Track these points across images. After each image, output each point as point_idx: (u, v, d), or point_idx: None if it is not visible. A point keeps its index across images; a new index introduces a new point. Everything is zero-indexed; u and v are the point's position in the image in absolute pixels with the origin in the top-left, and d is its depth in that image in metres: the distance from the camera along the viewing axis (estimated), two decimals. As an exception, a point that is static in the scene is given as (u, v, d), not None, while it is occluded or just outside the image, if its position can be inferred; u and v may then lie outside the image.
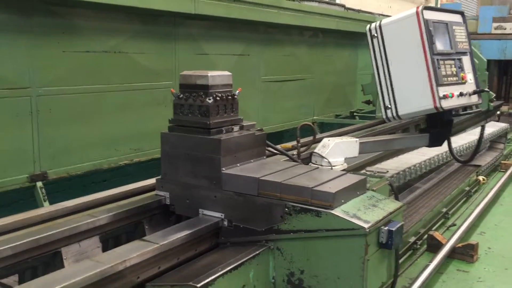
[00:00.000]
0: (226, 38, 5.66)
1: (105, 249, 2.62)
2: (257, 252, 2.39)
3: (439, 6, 16.73)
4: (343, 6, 8.97)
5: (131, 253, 2.23)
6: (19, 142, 3.70)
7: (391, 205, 2.48)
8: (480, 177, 6.10)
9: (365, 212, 2.33)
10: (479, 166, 6.37)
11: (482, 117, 6.45)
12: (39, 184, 3.76)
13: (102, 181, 4.92)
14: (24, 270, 2.38)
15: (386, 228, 2.31)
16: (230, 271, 2.23)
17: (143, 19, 4.59)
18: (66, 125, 4.00)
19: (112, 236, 2.73)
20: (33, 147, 3.77)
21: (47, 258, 2.42)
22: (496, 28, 11.49)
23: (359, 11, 9.46)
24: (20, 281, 2.32)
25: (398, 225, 2.36)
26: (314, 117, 7.54)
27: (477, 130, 6.46)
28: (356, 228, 2.21)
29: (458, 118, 7.25)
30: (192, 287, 2.09)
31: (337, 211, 2.27)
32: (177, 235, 2.43)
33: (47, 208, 2.75)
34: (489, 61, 10.02)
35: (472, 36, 12.11)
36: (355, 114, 8.30)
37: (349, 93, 8.58)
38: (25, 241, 2.29)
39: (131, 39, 4.50)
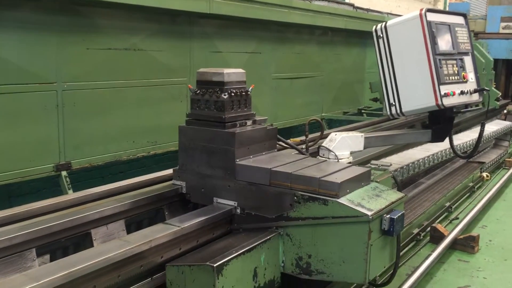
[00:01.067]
0: (238, 36, 5.87)
1: (129, 232, 2.84)
2: (268, 237, 2.54)
3: (447, 5, 16.78)
4: (352, 5, 9.13)
5: (156, 234, 2.45)
6: (45, 134, 3.94)
7: (393, 195, 2.65)
8: (484, 174, 6.26)
9: (368, 201, 2.49)
10: (483, 163, 6.53)
11: (489, 115, 6.60)
12: (64, 173, 4.00)
13: (119, 172, 5.16)
14: (55, 250, 2.60)
15: (388, 216, 2.48)
16: (243, 253, 2.38)
17: (161, 18, 4.81)
18: (88, 118, 4.23)
19: (135, 221, 2.95)
20: (58, 138, 4.01)
21: (78, 239, 2.64)
22: (504, 28, 11.60)
23: (368, 10, 9.61)
24: (52, 261, 2.52)
25: (399, 214, 2.53)
26: (323, 114, 7.73)
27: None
28: (360, 215, 2.37)
29: (464, 116, 7.45)
30: (209, 266, 2.25)
31: (342, 200, 2.43)
32: (194, 220, 2.62)
33: (76, 194, 2.97)
34: (496, 60, 10.16)
35: (480, 35, 12.20)
36: (363, 111, 8.47)
37: (357, 90, 8.75)
38: (60, 222, 2.51)
39: (150, 37, 4.72)
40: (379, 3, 12.55)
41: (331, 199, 2.44)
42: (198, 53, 5.26)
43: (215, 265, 2.24)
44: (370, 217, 2.36)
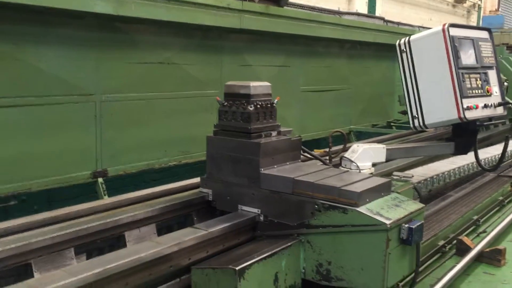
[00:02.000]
0: (268, 50, 6.04)
1: (160, 235, 3.01)
2: (289, 244, 2.63)
3: (481, 18, 16.57)
4: (382, 18, 9.19)
5: (184, 237, 2.61)
6: (84, 143, 4.19)
7: (413, 206, 2.72)
8: (515, 188, 6.15)
9: (387, 210, 2.56)
10: (514, 177, 6.42)
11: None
12: (100, 180, 4.23)
13: (152, 180, 5.36)
14: (92, 250, 2.79)
15: (406, 225, 2.54)
16: (264, 258, 2.49)
17: (193, 33, 5.03)
18: (124, 128, 4.47)
19: (166, 225, 3.12)
20: (96, 147, 4.25)
21: (113, 240, 2.83)
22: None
23: (398, 24, 9.65)
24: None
25: (418, 224, 2.59)
26: (351, 126, 7.79)
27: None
28: (379, 224, 2.44)
29: (496, 129, 7.35)
30: (231, 270, 2.35)
31: (362, 209, 2.50)
32: (220, 225, 2.77)
33: (111, 199, 3.18)
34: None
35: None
36: (392, 124, 8.47)
37: (386, 103, 8.77)
38: (96, 224, 2.70)
39: (182, 52, 4.94)
40: (410, 17, 12.57)
41: (350, 207, 2.52)
42: (229, 66, 5.46)
43: (237, 268, 2.34)
44: (388, 225, 2.43)
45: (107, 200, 3.16)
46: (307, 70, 6.77)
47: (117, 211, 2.96)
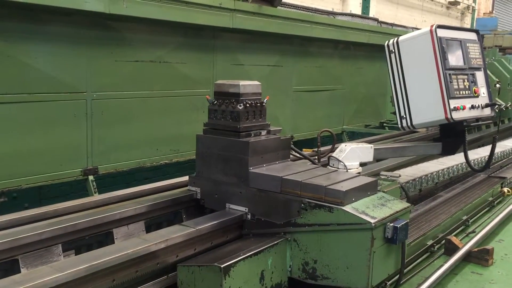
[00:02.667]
0: (260, 50, 6.06)
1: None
2: (276, 242, 2.65)
3: (475, 20, 16.68)
4: (376, 19, 9.23)
5: (171, 234, 2.62)
6: (75, 140, 4.20)
7: (398, 205, 2.73)
8: (505, 189, 6.19)
9: (373, 209, 2.58)
10: (504, 178, 6.47)
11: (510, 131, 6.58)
12: (91, 177, 4.23)
13: (144, 179, 5.38)
14: (80, 247, 2.79)
15: (391, 224, 2.56)
16: (250, 256, 2.50)
17: (186, 32, 5.04)
18: (115, 126, 4.48)
19: (155, 222, 3.13)
20: (86, 145, 4.26)
21: (101, 237, 2.83)
22: (532, 43, 11.47)
23: (392, 25, 9.69)
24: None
25: (403, 223, 2.60)
26: (344, 126, 7.82)
27: (504, 143, 6.61)
28: (363, 222, 2.46)
29: (488, 131, 7.39)
30: (217, 267, 2.37)
31: (347, 208, 2.52)
32: (208, 223, 2.78)
33: (100, 196, 3.18)
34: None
35: (507, 50, 12.08)
36: (384, 124, 8.51)
37: (379, 104, 8.81)
38: (84, 220, 2.71)
39: (174, 50, 4.95)
40: (404, 18, 12.62)
41: (336, 206, 2.54)
42: (221, 65, 5.47)
43: (222, 266, 2.36)
44: (373, 224, 2.45)
45: (95, 197, 3.16)
46: (300, 70, 6.79)
47: (105, 208, 2.97)
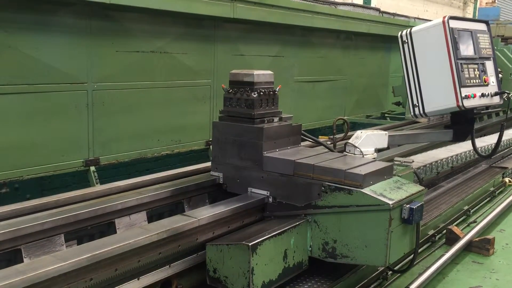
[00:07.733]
0: (262, 40, 6.04)
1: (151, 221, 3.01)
2: (297, 223, 2.79)
3: (477, 9, 16.61)
4: (378, 9, 9.18)
5: (174, 224, 2.63)
6: (76, 131, 4.20)
7: (413, 188, 2.86)
8: (507, 179, 6.20)
9: (390, 192, 2.71)
10: (506, 168, 6.47)
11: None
12: (92, 168, 4.24)
13: (145, 170, 5.38)
14: (82, 237, 2.81)
15: (408, 206, 2.70)
16: (275, 235, 2.63)
17: (187, 22, 5.02)
18: (116, 116, 4.48)
19: (156, 213, 3.14)
20: (88, 135, 4.26)
21: (103, 227, 2.84)
22: (535, 33, 11.40)
23: (394, 15, 9.64)
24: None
25: (419, 204, 2.74)
26: (345, 117, 7.80)
27: (510, 131, 6.68)
28: (382, 204, 2.59)
29: (496, 119, 7.40)
30: (245, 246, 2.49)
31: (366, 190, 2.66)
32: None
33: (102, 186, 3.19)
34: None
35: (510, 40, 12.03)
36: (386, 115, 8.50)
37: (380, 94, 8.79)
38: (86, 210, 2.71)
39: (176, 41, 4.94)
40: (405, 8, 12.53)
41: (355, 189, 2.67)
42: (222, 56, 5.46)
43: (250, 244, 2.48)
44: (391, 205, 2.58)
45: (97, 187, 3.17)
46: (301, 60, 6.77)
47: (107, 198, 2.97)
